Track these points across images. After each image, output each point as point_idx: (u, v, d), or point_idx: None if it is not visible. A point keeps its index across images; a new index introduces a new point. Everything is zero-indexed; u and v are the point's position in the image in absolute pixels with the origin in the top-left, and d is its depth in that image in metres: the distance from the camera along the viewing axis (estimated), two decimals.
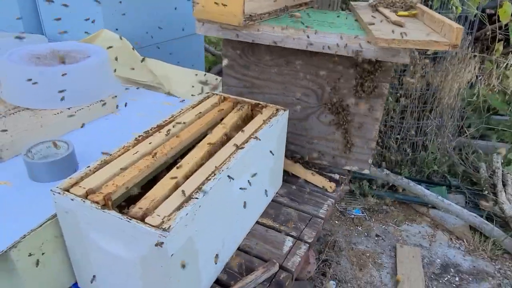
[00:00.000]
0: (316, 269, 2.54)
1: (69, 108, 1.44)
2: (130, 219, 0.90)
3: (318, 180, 1.63)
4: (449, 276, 2.53)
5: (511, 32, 3.15)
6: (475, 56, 2.95)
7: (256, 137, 1.24)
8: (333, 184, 1.62)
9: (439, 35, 1.31)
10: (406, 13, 1.63)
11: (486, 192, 2.90)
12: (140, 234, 0.90)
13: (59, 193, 0.97)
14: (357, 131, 1.63)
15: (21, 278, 0.99)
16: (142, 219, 0.91)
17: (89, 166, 1.06)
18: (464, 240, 2.77)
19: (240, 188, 1.20)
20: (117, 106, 1.59)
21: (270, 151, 1.37)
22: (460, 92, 3.01)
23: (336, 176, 1.70)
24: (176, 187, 1.03)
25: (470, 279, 2.50)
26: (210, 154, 1.18)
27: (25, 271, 0.99)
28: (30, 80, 1.36)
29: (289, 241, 1.36)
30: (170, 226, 0.88)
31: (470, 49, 2.92)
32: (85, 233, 1.00)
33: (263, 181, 1.40)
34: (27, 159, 1.13)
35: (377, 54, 1.38)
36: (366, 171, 1.71)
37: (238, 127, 1.36)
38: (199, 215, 0.98)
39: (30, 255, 0.99)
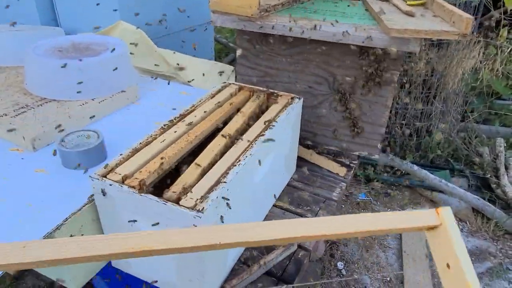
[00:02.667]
0: (324, 252, 2.64)
1: (93, 99, 1.50)
2: (166, 202, 0.98)
3: (330, 165, 1.70)
4: None
5: None
6: (479, 41, 2.99)
7: (274, 125, 1.31)
8: (344, 169, 1.69)
9: (449, 25, 1.37)
10: (415, 2, 1.67)
11: (489, 175, 2.98)
12: (176, 216, 0.97)
13: (98, 179, 1.04)
14: (367, 117, 1.69)
15: None
16: (176, 201, 0.99)
17: (121, 154, 1.14)
18: (467, 222, 2.87)
19: (262, 174, 1.27)
20: (138, 97, 1.66)
21: (285, 138, 1.44)
22: (464, 78, 3.06)
23: (347, 161, 1.77)
24: (203, 173, 1.10)
25: (473, 259, 2.60)
26: (232, 142, 1.25)
27: None
28: (57, 72, 1.42)
29: None
30: (203, 208, 0.96)
31: (474, 34, 2.96)
32: (121, 217, 1.07)
33: (279, 166, 1.48)
34: (61, 147, 1.21)
35: (389, 43, 1.44)
36: (375, 156, 1.78)
37: (256, 115, 1.43)
38: (228, 197, 1.06)
39: (71, 235, 1.07)
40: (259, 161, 1.19)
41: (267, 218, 1.45)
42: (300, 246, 1.35)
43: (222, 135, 1.27)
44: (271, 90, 1.56)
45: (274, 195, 1.51)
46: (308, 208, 1.51)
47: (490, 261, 2.58)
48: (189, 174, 1.09)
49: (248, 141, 1.23)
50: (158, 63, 1.85)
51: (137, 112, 1.54)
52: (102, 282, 2.03)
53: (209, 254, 1.03)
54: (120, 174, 1.06)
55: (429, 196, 3.08)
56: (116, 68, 1.52)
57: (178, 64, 1.79)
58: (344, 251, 2.66)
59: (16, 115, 1.36)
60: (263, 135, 1.26)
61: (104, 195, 1.05)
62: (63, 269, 1.10)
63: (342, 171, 1.69)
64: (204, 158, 1.16)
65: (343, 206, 3.01)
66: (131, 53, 1.80)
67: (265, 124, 1.32)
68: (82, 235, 1.11)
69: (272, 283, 1.22)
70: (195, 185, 1.05)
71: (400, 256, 2.59)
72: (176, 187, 1.04)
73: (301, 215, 1.48)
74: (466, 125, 3.38)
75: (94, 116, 1.46)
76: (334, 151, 1.82)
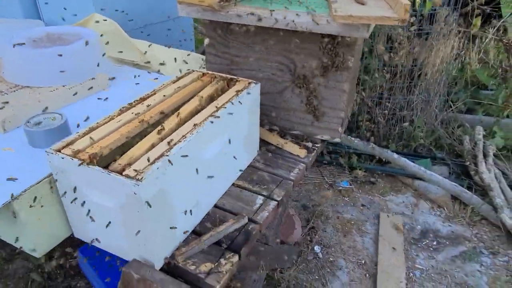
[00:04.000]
0: (303, 236, 2.73)
1: (64, 86, 1.61)
2: (110, 172, 1.08)
3: (291, 147, 1.79)
4: (427, 241, 2.70)
5: (502, 5, 3.21)
6: (459, 31, 3.03)
7: (225, 107, 1.40)
8: (304, 151, 1.78)
9: (392, 11, 1.44)
10: None
11: (468, 163, 3.03)
12: (118, 185, 1.07)
13: (52, 153, 1.15)
14: (326, 102, 1.77)
15: (24, 226, 1.19)
16: (120, 172, 1.09)
17: (78, 132, 1.24)
18: (445, 208, 2.93)
19: (212, 153, 1.37)
20: (108, 84, 1.76)
21: (242, 121, 1.53)
22: (445, 67, 3.11)
23: (309, 144, 1.86)
24: (151, 148, 1.20)
25: (447, 243, 2.67)
26: (184, 122, 1.34)
27: (27, 220, 1.18)
28: (28, 61, 1.53)
29: (260, 199, 1.53)
30: (142, 177, 1.06)
31: (454, 24, 3.01)
32: (74, 187, 1.18)
33: (237, 148, 1.57)
34: (26, 128, 1.32)
35: (339, 30, 1.52)
36: (337, 140, 1.86)
37: (213, 99, 1.52)
38: (170, 171, 1.15)
39: (31, 206, 1.18)
40: (198, 142, 1.28)
41: (225, 195, 1.55)
42: (251, 220, 1.44)
43: (176, 116, 1.37)
44: (231, 76, 1.65)
45: (233, 175, 1.60)
46: (265, 186, 1.60)
47: (464, 245, 2.64)
48: (137, 148, 1.20)
49: (199, 120, 1.33)
50: (131, 53, 1.95)
51: (106, 98, 1.65)
52: (85, 263, 2.15)
53: (153, 220, 1.13)
54: (73, 149, 1.17)
55: (410, 184, 3.15)
56: (85, 57, 1.62)
57: (145, 53, 1.89)
58: (322, 235, 2.75)
59: None
60: (213, 115, 1.36)
61: (58, 169, 1.16)
62: (25, 236, 1.21)
63: (302, 152, 1.78)
64: (154, 135, 1.26)
65: (325, 193, 3.09)
66: (106, 44, 1.90)
67: (216, 107, 1.41)
68: (42, 206, 1.22)
69: (220, 252, 1.32)
70: (140, 158, 1.15)
71: (377, 241, 2.67)
72: (122, 160, 1.14)
73: (257, 193, 1.57)
74: (448, 114, 3.43)
75: (63, 101, 1.57)
76: (298, 135, 1.91)
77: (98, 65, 1.71)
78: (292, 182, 1.64)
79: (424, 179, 2.98)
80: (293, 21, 1.55)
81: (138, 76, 1.87)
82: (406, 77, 3.17)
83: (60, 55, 1.60)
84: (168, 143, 1.21)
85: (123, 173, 1.08)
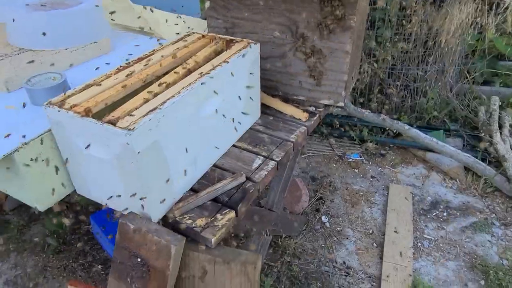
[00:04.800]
0: (310, 206, 2.73)
1: (66, 49, 1.64)
2: (103, 124, 1.10)
3: (293, 111, 1.78)
4: (437, 212, 2.66)
5: None
6: None
7: (222, 65, 1.40)
8: (306, 114, 1.76)
9: None
10: None
11: (483, 134, 2.95)
12: (111, 135, 1.09)
13: (49, 107, 1.18)
14: (328, 65, 1.74)
15: (26, 180, 1.23)
16: (113, 123, 1.10)
17: (75, 88, 1.26)
18: (457, 180, 2.87)
19: (208, 112, 1.37)
20: (110, 48, 1.78)
21: (240, 82, 1.52)
22: (460, 36, 2.99)
23: (312, 109, 1.84)
24: (145, 102, 1.21)
25: (458, 214, 2.62)
26: (180, 79, 1.35)
27: (28, 173, 1.22)
28: (31, 24, 1.55)
29: (259, 160, 1.54)
30: (134, 128, 1.07)
31: None
32: (72, 141, 1.21)
33: (236, 109, 1.57)
34: (27, 86, 1.35)
35: None
36: (340, 104, 1.83)
37: (211, 59, 1.51)
38: (163, 123, 1.17)
39: (31, 159, 1.22)
40: (194, 96, 1.28)
41: (224, 156, 1.56)
42: (249, 179, 1.45)
43: (172, 74, 1.37)
44: (230, 37, 1.63)
45: (232, 137, 1.60)
46: (265, 147, 1.60)
47: (476, 216, 2.59)
48: (132, 102, 1.21)
49: (194, 78, 1.33)
50: (133, 18, 1.96)
51: (107, 61, 1.66)
52: (95, 227, 2.23)
53: (148, 171, 1.15)
54: (70, 103, 1.19)
55: (422, 156, 3.09)
56: (87, 20, 1.64)
57: (145, 18, 1.88)
58: (330, 206, 2.74)
59: None
60: (208, 73, 1.35)
61: (56, 122, 1.18)
62: (27, 189, 1.26)
63: (304, 116, 1.76)
64: (149, 91, 1.27)
65: (334, 165, 3.07)
66: (110, 11, 1.91)
67: (213, 65, 1.41)
68: (43, 160, 1.26)
69: (217, 208, 1.33)
70: (133, 111, 1.16)
71: (385, 212, 2.65)
72: (116, 112, 1.16)
73: (256, 154, 1.57)
74: (464, 85, 3.31)
75: (64, 63, 1.60)
76: (300, 100, 1.88)
77: (100, 29, 1.72)
78: (292, 144, 1.63)
79: (436, 151, 2.91)
80: None
81: (140, 40, 1.88)
82: (420, 46, 3.07)
83: (62, 18, 1.62)
84: (162, 98, 1.22)
85: (116, 124, 1.10)
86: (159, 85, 1.30)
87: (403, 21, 2.97)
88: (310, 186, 2.87)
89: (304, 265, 2.33)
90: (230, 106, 1.50)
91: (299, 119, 1.77)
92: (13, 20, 1.62)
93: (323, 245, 2.46)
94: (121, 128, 1.08)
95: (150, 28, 1.99)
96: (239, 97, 1.55)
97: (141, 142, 1.10)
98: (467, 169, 2.87)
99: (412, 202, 2.68)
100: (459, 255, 2.36)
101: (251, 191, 1.40)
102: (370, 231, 2.55)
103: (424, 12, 2.95)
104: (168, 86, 1.30)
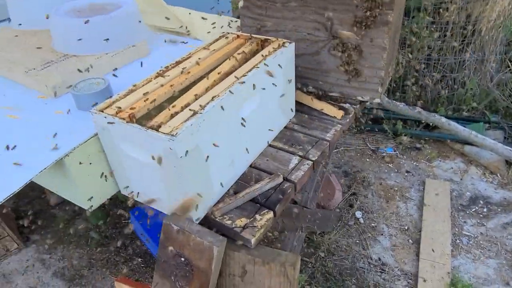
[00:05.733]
0: (344, 201, 2.72)
1: (106, 53, 1.70)
2: (147, 129, 1.14)
3: (328, 109, 1.76)
4: (477, 208, 2.58)
5: None
6: None
7: (258, 66, 1.40)
8: (341, 112, 1.74)
9: None
10: None
11: None
12: (155, 140, 1.13)
13: (96, 113, 1.23)
14: (365, 61, 1.71)
15: (75, 182, 1.30)
16: (156, 129, 1.14)
17: (119, 94, 1.31)
18: (498, 175, 2.77)
19: (246, 113, 1.38)
20: (148, 51, 1.83)
21: (276, 81, 1.52)
22: (502, 23, 2.85)
23: (347, 106, 1.82)
24: (186, 106, 1.24)
25: (499, 210, 2.54)
26: (218, 82, 1.37)
27: (77, 176, 1.29)
28: (73, 30, 1.62)
29: (295, 159, 1.54)
30: (177, 133, 1.11)
31: None
32: (118, 145, 1.26)
33: (272, 109, 1.57)
34: (73, 92, 1.42)
35: None
36: (377, 100, 1.80)
37: (247, 60, 1.52)
38: (204, 127, 1.19)
39: (80, 163, 1.29)
40: (231, 93, 1.30)
41: (261, 155, 1.57)
42: (286, 179, 1.46)
43: (210, 77, 1.39)
44: (265, 37, 1.63)
45: (268, 136, 1.61)
46: (301, 147, 1.61)
47: None
48: (173, 107, 1.24)
49: (232, 81, 1.35)
50: (170, 20, 1.99)
51: (145, 64, 1.71)
52: (136, 222, 2.32)
53: (190, 175, 1.19)
54: (115, 109, 1.24)
55: (460, 149, 3.00)
56: (125, 25, 1.69)
57: (182, 20, 1.91)
58: (364, 201, 2.72)
59: (42, 69, 1.60)
60: (245, 75, 1.37)
61: (102, 128, 1.24)
62: (76, 191, 1.33)
63: (339, 114, 1.74)
64: (189, 95, 1.30)
65: (368, 160, 3.03)
66: (145, 12, 1.95)
67: (249, 66, 1.42)
68: (90, 163, 1.32)
69: (255, 209, 1.36)
70: (175, 116, 1.19)
71: (421, 208, 2.59)
72: (159, 118, 1.19)
73: (293, 153, 1.58)
74: (506, 75, 3.16)
75: (107, 68, 1.65)
76: (335, 97, 1.87)
77: (138, 32, 1.77)
78: (328, 143, 1.63)
79: (476, 144, 2.81)
80: None
81: (176, 42, 1.92)
82: (458, 35, 2.95)
83: (103, 24, 1.68)
84: (203, 102, 1.24)
85: (159, 130, 1.14)
86: (198, 89, 1.32)
87: (440, 9, 2.87)
88: (343, 181, 2.86)
89: (339, 261, 2.34)
90: (267, 106, 1.51)
91: (334, 116, 1.76)
92: (56, 28, 1.69)
93: (357, 241, 2.45)
94: (164, 133, 1.12)
95: (185, 28, 2.02)
96: (275, 96, 1.56)
97: (184, 146, 1.14)
98: (508, 163, 2.76)
99: (450, 198, 2.62)
100: (500, 253, 2.29)
101: (288, 191, 1.41)
102: (406, 228, 2.51)
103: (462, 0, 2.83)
104: (207, 89, 1.32)
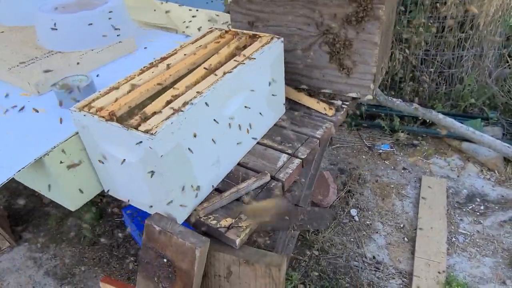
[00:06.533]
0: (338, 199, 2.68)
1: (92, 50, 1.66)
2: (127, 128, 1.11)
3: (319, 105, 1.73)
4: (473, 205, 2.54)
5: None
6: None
7: (244, 63, 1.37)
8: (332, 109, 1.71)
9: None
10: None
11: None
12: (134, 139, 1.10)
13: (76, 111, 1.20)
14: (356, 57, 1.67)
15: (56, 181, 1.27)
16: (136, 127, 1.11)
17: (99, 91, 1.28)
18: (496, 171, 2.73)
19: (231, 110, 1.35)
20: (135, 47, 1.79)
21: (264, 78, 1.49)
22: (500, 17, 2.80)
23: (339, 102, 1.78)
24: (168, 104, 1.21)
25: (496, 207, 2.50)
26: (203, 79, 1.33)
27: (58, 175, 1.26)
28: (55, 27, 1.59)
29: (284, 157, 1.51)
30: (156, 131, 1.08)
31: None
32: (98, 144, 1.23)
33: (260, 106, 1.54)
34: (55, 89, 1.38)
35: None
36: (368, 97, 1.77)
37: (234, 56, 1.49)
38: (185, 126, 1.16)
39: (61, 162, 1.26)
40: (214, 96, 1.26)
41: (248, 154, 1.54)
42: (274, 178, 1.43)
43: (195, 74, 1.36)
44: (254, 32, 1.60)
45: (257, 134, 1.58)
46: (290, 145, 1.57)
47: None
48: (155, 105, 1.21)
49: (216, 77, 1.31)
50: (158, 15, 1.96)
51: (132, 60, 1.68)
52: (128, 220, 2.29)
53: (172, 174, 1.16)
54: (94, 107, 1.21)
55: (457, 146, 2.95)
56: (111, 21, 1.65)
57: (168, 14, 1.87)
58: (359, 199, 2.68)
59: (26, 66, 1.57)
60: (231, 72, 1.33)
61: (82, 126, 1.21)
62: (58, 190, 1.30)
63: (330, 111, 1.71)
64: (171, 92, 1.26)
65: (363, 156, 2.99)
66: (132, 8, 1.92)
67: (236, 63, 1.38)
68: (71, 162, 1.29)
69: (241, 208, 1.33)
70: (157, 113, 1.16)
71: (417, 205, 2.56)
72: (139, 116, 1.16)
73: (281, 151, 1.54)
74: (504, 70, 3.11)
75: (92, 64, 1.62)
76: (327, 94, 1.83)
77: (124, 29, 1.73)
78: (318, 140, 1.59)
79: (473, 141, 2.77)
80: None
81: (166, 39, 1.88)
82: (455, 30, 2.90)
83: (88, 19, 1.64)
84: (184, 100, 1.21)
85: (139, 128, 1.11)
86: (181, 86, 1.29)
87: (437, 4, 2.81)
88: (338, 178, 2.82)
89: (333, 260, 2.31)
90: (254, 103, 1.47)
91: (325, 114, 1.72)
92: (42, 23, 1.65)
93: (352, 239, 2.42)
94: (143, 132, 1.09)
95: (174, 24, 1.99)
96: (263, 93, 1.53)
97: (164, 145, 1.11)
98: (506, 160, 2.72)
99: (446, 195, 2.58)
100: (496, 251, 2.25)
101: (275, 190, 1.38)
102: (401, 225, 2.48)
103: None
104: (191, 86, 1.29)
